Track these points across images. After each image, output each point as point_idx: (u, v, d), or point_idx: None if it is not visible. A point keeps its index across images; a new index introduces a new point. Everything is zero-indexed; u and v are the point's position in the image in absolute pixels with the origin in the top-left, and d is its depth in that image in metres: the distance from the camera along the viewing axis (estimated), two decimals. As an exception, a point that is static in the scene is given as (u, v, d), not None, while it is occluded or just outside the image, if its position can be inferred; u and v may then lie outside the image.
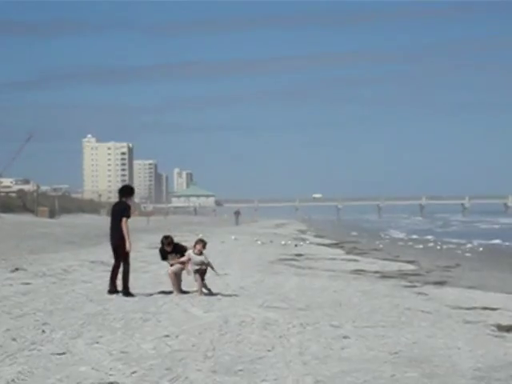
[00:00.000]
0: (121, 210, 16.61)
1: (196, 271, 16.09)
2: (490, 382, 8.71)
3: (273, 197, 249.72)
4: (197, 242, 16.46)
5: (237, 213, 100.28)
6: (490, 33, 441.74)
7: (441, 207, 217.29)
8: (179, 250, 16.80)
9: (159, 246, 17.05)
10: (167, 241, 16.91)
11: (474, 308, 15.83)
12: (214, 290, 16.56)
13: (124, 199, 16.62)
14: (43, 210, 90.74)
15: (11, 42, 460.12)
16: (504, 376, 8.99)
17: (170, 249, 16.77)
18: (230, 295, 16.58)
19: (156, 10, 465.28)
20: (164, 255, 16.93)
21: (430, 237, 63.22)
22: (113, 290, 16.34)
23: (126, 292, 16.15)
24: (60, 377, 8.59)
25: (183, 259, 16.40)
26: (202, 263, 16.16)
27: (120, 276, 16.41)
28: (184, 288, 16.73)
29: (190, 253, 16.29)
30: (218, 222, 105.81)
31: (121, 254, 16.80)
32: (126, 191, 16.78)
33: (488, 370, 9.37)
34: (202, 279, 16.28)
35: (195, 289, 16.37)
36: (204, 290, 16.33)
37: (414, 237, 63.83)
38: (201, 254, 16.21)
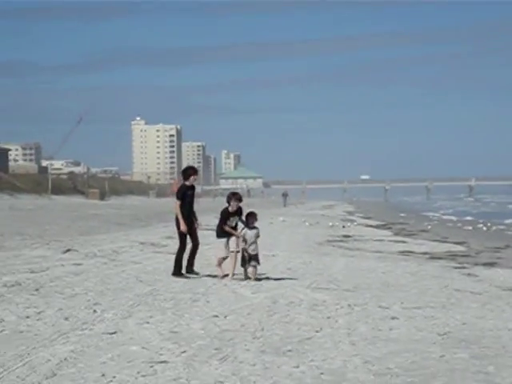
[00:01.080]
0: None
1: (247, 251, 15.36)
2: (541, 363, 8.65)
3: (320, 178, 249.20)
4: (248, 215, 15.53)
5: (284, 194, 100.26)
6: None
7: (490, 188, 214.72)
8: (240, 213, 15.68)
9: (210, 225, 16.89)
10: (235, 197, 15.59)
11: (525, 289, 15.68)
12: (261, 271, 16.54)
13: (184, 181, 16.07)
14: (94, 191, 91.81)
15: (61, 26, 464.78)
16: (555, 357, 8.91)
17: (235, 208, 15.53)
18: (277, 277, 16.62)
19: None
20: (225, 216, 15.60)
21: (479, 218, 62.57)
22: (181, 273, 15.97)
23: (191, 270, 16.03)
24: (111, 356, 8.73)
25: (238, 234, 15.47)
26: (257, 238, 15.45)
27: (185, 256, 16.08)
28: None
29: (244, 231, 15.44)
30: (265, 203, 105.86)
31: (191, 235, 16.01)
32: (183, 173, 16.24)
33: (538, 351, 9.29)
34: (258, 261, 15.50)
35: (245, 273, 15.61)
36: (254, 276, 15.47)
37: (463, 218, 63.24)
38: (254, 228, 15.44)
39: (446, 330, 10.63)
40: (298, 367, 8.28)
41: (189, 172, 15.89)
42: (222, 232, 15.62)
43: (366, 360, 8.66)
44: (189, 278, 15.68)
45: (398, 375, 8.01)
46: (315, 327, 10.62)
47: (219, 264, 15.88)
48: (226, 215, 15.53)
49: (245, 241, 15.35)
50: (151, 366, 8.23)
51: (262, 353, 8.97)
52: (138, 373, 7.95)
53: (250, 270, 15.46)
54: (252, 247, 15.27)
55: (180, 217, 15.66)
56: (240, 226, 15.75)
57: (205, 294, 13.66)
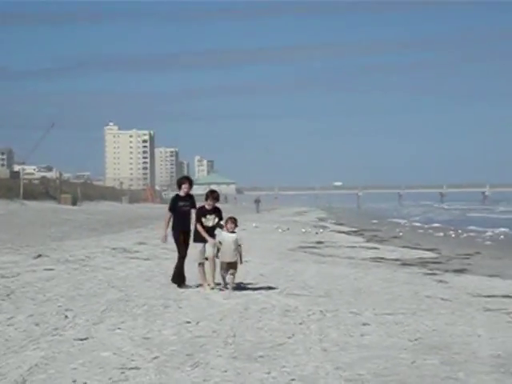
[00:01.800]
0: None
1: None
2: (510, 369, 8.73)
3: (293, 185, 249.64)
4: (227, 221, 14.73)
5: (257, 201, 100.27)
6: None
7: (461, 195, 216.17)
8: (219, 214, 15.03)
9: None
10: (212, 195, 15.06)
11: (494, 296, 15.81)
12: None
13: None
14: (66, 197, 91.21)
15: (34, 31, 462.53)
16: (523, 363, 9.01)
17: (211, 207, 14.98)
18: (250, 282, 16.64)
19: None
20: (201, 214, 14.95)
21: (449, 225, 62.98)
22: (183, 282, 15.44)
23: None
24: (82, 362, 8.70)
25: (213, 240, 14.66)
26: (237, 244, 14.62)
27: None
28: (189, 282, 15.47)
29: (222, 234, 14.64)
30: (238, 209, 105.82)
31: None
32: (176, 183, 15.86)
33: (508, 357, 9.39)
34: (235, 268, 14.73)
35: (220, 282, 14.98)
36: (232, 284, 14.89)
37: (434, 225, 63.60)
38: (233, 232, 14.66)
39: (417, 336, 10.70)
40: (269, 373, 8.30)
41: (180, 181, 15.56)
42: (199, 236, 15.03)
43: (338, 366, 8.70)
44: (188, 287, 15.20)
45: (369, 381, 8.06)
46: (287, 333, 10.65)
47: (200, 272, 15.21)
48: (201, 213, 14.90)
49: (219, 247, 14.61)
50: (123, 372, 8.22)
51: (234, 359, 8.99)
52: (110, 379, 7.94)
53: (227, 277, 14.80)
54: (229, 254, 14.52)
55: (162, 225, 15.61)
56: (218, 230, 15.25)
57: (177, 300, 13.65)
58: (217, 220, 14.93)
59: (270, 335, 10.50)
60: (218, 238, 14.61)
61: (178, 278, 15.31)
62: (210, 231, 14.97)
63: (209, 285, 14.94)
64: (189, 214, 15.18)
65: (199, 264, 15.09)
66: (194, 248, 15.12)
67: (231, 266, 14.61)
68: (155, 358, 8.96)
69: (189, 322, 11.35)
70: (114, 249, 25.48)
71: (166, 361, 8.82)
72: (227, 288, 14.73)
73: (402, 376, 8.28)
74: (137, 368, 8.44)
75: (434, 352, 9.60)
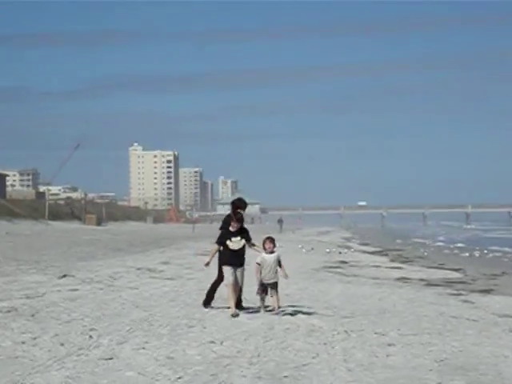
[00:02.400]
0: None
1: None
2: (537, 390, 8.64)
3: (317, 204, 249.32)
4: (264, 242, 14.13)
5: (280, 221, 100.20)
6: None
7: (487, 215, 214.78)
8: (245, 234, 14.22)
9: (206, 250, 16.26)
10: (236, 217, 14.10)
11: (521, 316, 15.66)
12: (256, 297, 16.44)
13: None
14: (91, 217, 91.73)
15: (61, 52, 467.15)
16: (551, 385, 8.91)
17: (237, 228, 14.06)
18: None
19: (203, 19, 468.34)
20: (226, 237, 14.12)
21: (475, 245, 62.57)
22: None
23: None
24: (107, 381, 8.71)
25: (257, 262, 14.04)
26: (277, 264, 14.09)
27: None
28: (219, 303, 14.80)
29: (262, 256, 14.08)
30: (262, 228, 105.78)
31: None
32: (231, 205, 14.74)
33: (535, 378, 9.28)
34: (275, 289, 14.18)
35: (267, 304, 14.33)
36: (277, 305, 14.26)
37: (460, 245, 63.20)
38: (272, 253, 14.11)
39: (443, 356, 10.61)
40: (294, 393, 8.26)
41: (235, 204, 14.54)
42: (224, 258, 14.26)
43: (363, 386, 8.64)
44: (212, 308, 14.73)
45: (394, 402, 7.99)
46: (312, 353, 10.60)
47: (230, 295, 14.17)
48: (226, 235, 14.12)
49: (260, 268, 14.05)
50: (147, 392, 8.21)
51: (259, 379, 8.95)
52: (134, 399, 7.93)
53: (269, 299, 14.24)
54: (270, 274, 14.04)
55: (212, 251, 14.46)
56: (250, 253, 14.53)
57: (201, 320, 13.63)
58: (243, 242, 14.16)
59: (295, 355, 10.45)
60: (258, 259, 14.05)
61: (207, 298, 15.01)
62: (236, 256, 14.15)
63: (230, 310, 14.04)
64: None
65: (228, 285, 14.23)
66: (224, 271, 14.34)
67: (272, 287, 14.11)
68: (179, 377, 8.95)
69: (213, 342, 11.32)
70: (138, 269, 25.53)
71: (190, 381, 8.80)
72: (266, 310, 14.20)
73: (427, 397, 8.21)
74: (161, 388, 8.42)
75: (461, 373, 9.51)
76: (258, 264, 13.98)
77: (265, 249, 14.02)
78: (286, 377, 9.09)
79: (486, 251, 50.19)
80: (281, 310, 14.18)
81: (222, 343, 11.27)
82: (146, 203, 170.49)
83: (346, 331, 12.61)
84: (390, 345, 11.48)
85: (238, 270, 14.16)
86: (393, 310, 16.02)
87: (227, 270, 14.09)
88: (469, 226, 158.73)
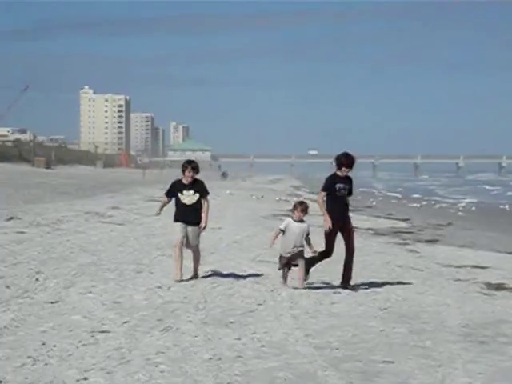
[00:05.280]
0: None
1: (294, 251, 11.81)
2: (477, 338, 8.83)
3: (269, 152, 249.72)
4: (295, 207, 11.99)
5: (224, 174, 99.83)
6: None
7: (436, 166, 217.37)
8: (199, 188, 12.16)
9: (155, 197, 15.49)
10: (191, 166, 12.14)
11: (465, 266, 15.96)
12: (207, 244, 16.47)
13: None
14: (39, 159, 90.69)
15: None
16: (491, 333, 9.12)
17: (189, 181, 12.09)
18: (223, 249, 16.66)
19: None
20: (174, 189, 12.20)
21: (421, 195, 63.34)
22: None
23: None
24: (52, 325, 8.68)
25: (275, 232, 12.01)
26: (304, 236, 11.82)
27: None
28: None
29: (288, 222, 11.90)
30: (213, 175, 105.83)
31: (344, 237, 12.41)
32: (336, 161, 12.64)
33: (476, 327, 9.49)
34: (301, 257, 11.89)
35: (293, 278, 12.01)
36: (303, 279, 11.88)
37: (407, 195, 63.95)
38: (301, 221, 11.89)
39: (387, 305, 10.78)
40: (239, 339, 8.33)
41: (340, 161, 12.44)
42: (176, 213, 12.23)
43: (307, 333, 8.75)
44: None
45: (338, 348, 8.11)
46: (258, 300, 10.69)
47: (176, 256, 12.22)
48: (177, 187, 12.21)
49: (280, 236, 11.89)
50: (92, 336, 8.22)
51: (205, 324, 9.01)
52: (79, 342, 7.93)
53: (296, 270, 12.00)
54: (293, 248, 11.79)
55: (323, 211, 12.06)
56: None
57: (149, 265, 13.64)
58: (197, 197, 12.15)
59: (241, 302, 10.53)
60: (282, 225, 11.90)
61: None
62: (189, 211, 12.12)
63: (174, 275, 12.15)
64: (346, 199, 12.34)
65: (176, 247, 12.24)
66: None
67: (297, 255, 11.83)
68: (125, 322, 8.96)
69: (160, 288, 11.35)
70: (86, 213, 25.38)
71: (136, 325, 8.82)
72: (287, 286, 11.91)
73: (370, 344, 8.35)
74: (107, 332, 8.43)
75: (403, 321, 9.68)
76: (281, 230, 11.80)
77: (294, 214, 11.93)
78: (232, 323, 9.16)
79: (433, 202, 50.87)
80: (306, 282, 11.97)
81: (169, 289, 11.30)
82: (97, 147, 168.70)
83: (292, 279, 12.71)
84: (335, 293, 11.63)
85: (191, 230, 12.15)
86: (339, 258, 16.16)
87: (176, 227, 12.13)
88: (422, 177, 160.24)
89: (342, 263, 12.33)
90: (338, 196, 12.08)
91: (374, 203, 47.97)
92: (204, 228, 12.25)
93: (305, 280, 11.95)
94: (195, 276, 12.38)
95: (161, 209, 12.49)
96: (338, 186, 12.12)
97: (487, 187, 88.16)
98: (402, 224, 30.08)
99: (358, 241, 20.88)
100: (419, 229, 27.76)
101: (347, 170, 12.24)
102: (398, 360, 7.68)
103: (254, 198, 45.95)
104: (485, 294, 12.32)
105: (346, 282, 12.16)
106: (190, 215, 12.11)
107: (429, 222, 31.07)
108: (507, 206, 46.30)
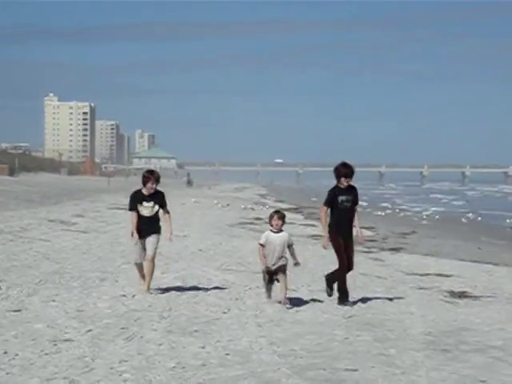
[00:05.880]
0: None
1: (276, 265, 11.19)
2: (440, 346, 8.90)
3: (234, 160, 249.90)
4: (271, 216, 11.37)
5: (189, 182, 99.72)
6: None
7: (399, 175, 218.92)
8: (159, 199, 11.69)
9: (122, 204, 15.22)
10: (153, 176, 11.61)
11: (428, 274, 16.07)
12: (172, 252, 16.49)
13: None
14: (3, 167, 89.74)
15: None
16: (453, 341, 9.19)
17: (150, 192, 11.59)
18: (188, 257, 16.63)
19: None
20: (135, 201, 11.65)
21: (387, 204, 63.76)
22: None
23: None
24: (15, 333, 8.61)
25: (259, 243, 11.24)
26: (286, 247, 11.31)
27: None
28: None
29: (267, 234, 11.23)
30: (178, 184, 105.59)
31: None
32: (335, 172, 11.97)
33: (438, 334, 9.56)
34: (283, 272, 11.26)
35: (276, 293, 11.34)
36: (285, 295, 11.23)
37: (373, 204, 64.27)
38: (280, 231, 11.31)
39: (351, 313, 10.82)
40: (204, 348, 8.32)
41: (338, 171, 11.84)
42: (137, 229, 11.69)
43: (272, 341, 8.76)
44: (351, 305, 11.46)
45: (302, 356, 8.13)
46: (223, 308, 10.68)
47: (138, 276, 11.96)
48: (138, 199, 11.68)
49: (264, 250, 11.22)
50: (55, 345, 8.16)
51: (169, 333, 8.99)
52: (42, 351, 7.87)
53: (277, 285, 11.35)
54: (276, 260, 11.20)
55: (323, 226, 11.86)
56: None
57: (113, 274, 13.58)
58: (156, 209, 11.72)
59: (206, 310, 10.52)
60: (262, 240, 11.26)
61: (341, 294, 11.65)
62: (148, 223, 11.66)
63: (140, 286, 11.82)
64: (353, 211, 11.78)
65: (137, 264, 11.84)
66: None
67: (279, 270, 11.23)
68: (89, 330, 8.91)
69: (124, 296, 11.30)
70: (51, 221, 25.20)
71: (100, 334, 8.77)
72: (272, 300, 11.32)
73: (334, 352, 8.38)
74: (70, 340, 8.38)
75: (367, 329, 9.72)
76: (261, 245, 11.21)
77: (271, 225, 11.31)
78: (196, 331, 9.15)
79: (397, 210, 51.19)
80: (288, 300, 11.24)
81: (133, 297, 11.25)
82: (61, 155, 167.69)
83: (257, 287, 12.72)
84: (299, 300, 11.64)
85: (149, 238, 11.68)
86: (304, 266, 16.21)
87: (136, 244, 11.68)
88: (390, 185, 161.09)
89: (303, 270, 12.34)
90: (341, 209, 11.57)
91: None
92: (170, 239, 11.86)
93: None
94: (147, 289, 11.64)
95: (136, 230, 11.62)
96: (341, 198, 11.60)
97: (438, 196, 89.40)
98: (367, 232, 30.19)
99: (321, 249, 20.95)
100: (383, 237, 27.90)
101: (347, 179, 11.67)
102: (361, 368, 7.71)
103: (219, 206, 45.90)
104: (448, 302, 12.42)
105: (343, 299, 11.52)
106: (148, 227, 11.64)
107: (393, 231, 31.25)
108: (470, 215, 46.74)
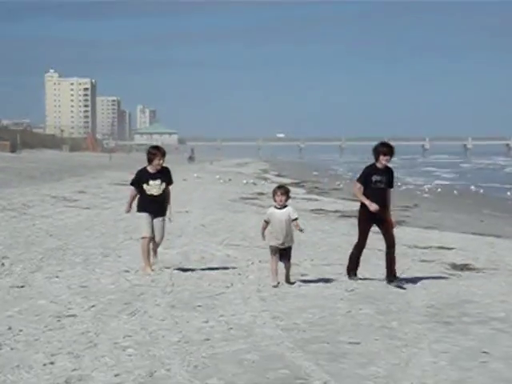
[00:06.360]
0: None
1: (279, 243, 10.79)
2: (442, 318, 8.93)
3: (236, 136, 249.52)
4: (275, 192, 10.88)
5: (191, 158, 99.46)
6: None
7: (402, 148, 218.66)
8: (166, 176, 11.44)
9: (124, 180, 15.23)
10: (160, 152, 11.31)
11: (430, 247, 16.11)
12: (174, 227, 16.46)
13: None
14: (4, 144, 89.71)
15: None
16: (456, 313, 9.22)
17: (157, 168, 11.30)
18: (191, 233, 16.66)
19: None
20: (141, 179, 11.35)
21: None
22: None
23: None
24: (19, 309, 8.64)
25: (264, 219, 10.84)
26: (291, 222, 10.85)
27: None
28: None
29: (271, 211, 10.81)
30: (180, 159, 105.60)
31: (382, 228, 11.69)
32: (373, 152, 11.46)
33: (441, 307, 9.59)
34: (288, 258, 10.91)
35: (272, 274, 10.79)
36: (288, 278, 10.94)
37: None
38: (284, 207, 10.85)
39: (354, 286, 10.84)
40: (207, 322, 8.35)
41: (377, 150, 11.33)
42: (140, 202, 11.48)
43: (275, 315, 8.79)
44: (356, 280, 11.27)
45: (304, 330, 8.16)
46: (226, 283, 10.71)
47: (144, 249, 11.47)
48: (143, 177, 11.40)
49: (267, 226, 10.83)
50: (59, 320, 8.19)
51: (172, 308, 9.02)
52: (46, 327, 7.91)
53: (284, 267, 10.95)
54: (281, 237, 10.79)
55: (362, 197, 11.29)
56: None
57: (116, 249, 13.61)
58: (164, 186, 11.43)
59: (209, 285, 10.54)
60: (265, 216, 10.89)
61: (350, 264, 11.68)
62: (155, 202, 11.40)
63: (145, 269, 11.41)
64: (386, 194, 11.50)
65: (147, 238, 11.45)
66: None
67: (284, 254, 10.87)
68: (92, 306, 8.95)
69: (127, 271, 11.33)
70: (53, 197, 25.22)
71: (103, 309, 8.81)
72: (278, 283, 10.76)
73: (337, 325, 8.41)
74: (74, 316, 8.41)
75: (370, 302, 9.75)
76: (266, 222, 10.80)
77: (275, 201, 10.86)
78: (199, 306, 9.18)
79: (399, 183, 51.20)
80: (291, 283, 10.88)
81: (136, 272, 11.28)
82: (62, 131, 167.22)
83: (260, 261, 12.76)
84: (303, 275, 11.68)
85: (157, 221, 11.47)
86: (307, 240, 16.23)
87: (143, 219, 11.38)
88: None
89: (306, 244, 12.36)
90: (373, 188, 11.17)
91: (341, 185, 48.14)
92: (170, 220, 11.66)
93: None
94: (155, 255, 11.57)
95: (130, 205, 11.65)
96: (375, 178, 11.20)
97: (431, 169, 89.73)
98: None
99: (324, 223, 21.07)
100: (386, 211, 27.92)
101: (385, 159, 11.17)
102: (364, 341, 7.75)
103: (221, 181, 45.92)
104: (450, 274, 12.45)
105: (391, 277, 11.19)
106: (157, 207, 11.36)
107: (395, 204, 31.26)
108: (474, 187, 46.74)
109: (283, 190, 10.82)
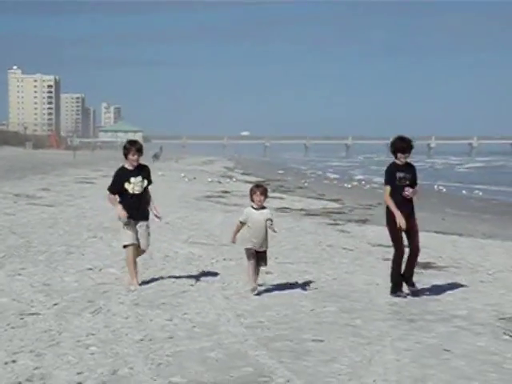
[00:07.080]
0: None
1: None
2: (405, 316, 9.00)
3: (201, 134, 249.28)
4: (253, 192, 10.13)
5: (155, 156, 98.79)
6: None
7: (366, 147, 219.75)
8: (147, 173, 10.71)
9: (86, 178, 14.66)
10: (135, 147, 10.50)
11: (394, 246, 16.17)
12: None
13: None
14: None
15: None
16: (418, 311, 9.30)
17: (134, 164, 10.50)
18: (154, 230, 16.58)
19: None
20: (121, 179, 10.42)
21: (356, 176, 64.09)
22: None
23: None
24: (-20, 308, 8.56)
25: (240, 220, 10.18)
26: (270, 223, 10.09)
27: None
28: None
29: (248, 212, 10.12)
30: (145, 157, 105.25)
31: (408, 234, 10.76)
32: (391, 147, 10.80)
33: (404, 305, 9.67)
34: (264, 261, 10.24)
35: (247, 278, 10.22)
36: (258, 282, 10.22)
37: (339, 176, 64.53)
38: (263, 208, 10.16)
39: (318, 284, 10.90)
40: (171, 320, 8.35)
41: (395, 146, 10.70)
42: (123, 207, 10.41)
43: (239, 313, 8.80)
44: (405, 297, 10.33)
45: (268, 328, 8.18)
46: (190, 281, 10.70)
47: (130, 260, 10.36)
48: (123, 176, 10.49)
49: (241, 228, 10.27)
50: (22, 318, 8.14)
51: (136, 306, 8.99)
52: (8, 325, 7.85)
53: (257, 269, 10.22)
54: (260, 239, 10.11)
55: (393, 208, 10.44)
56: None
57: (80, 247, 13.53)
58: (146, 183, 10.64)
59: (173, 283, 10.53)
60: (242, 217, 10.20)
61: (395, 284, 10.57)
62: (138, 203, 10.51)
63: (135, 282, 10.29)
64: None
65: (131, 245, 10.45)
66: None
67: (261, 258, 10.19)
68: (55, 304, 8.89)
69: (91, 269, 11.27)
70: (16, 195, 24.99)
71: (66, 307, 8.76)
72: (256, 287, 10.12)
73: (300, 323, 8.44)
74: (36, 314, 8.36)
75: (334, 300, 9.80)
76: (242, 223, 10.18)
77: (253, 201, 10.16)
78: (163, 304, 9.16)
79: (363, 182, 51.43)
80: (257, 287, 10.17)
81: (100, 270, 11.24)
82: (26, 128, 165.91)
83: (224, 259, 12.77)
84: (267, 273, 11.69)
85: (140, 226, 10.52)
86: (271, 239, 16.23)
87: (125, 223, 10.37)
88: (346, 157, 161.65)
89: (270, 242, 12.37)
90: (399, 186, 10.52)
91: (306, 184, 48.26)
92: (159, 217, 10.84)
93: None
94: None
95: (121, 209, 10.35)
96: (398, 175, 10.56)
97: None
98: (334, 204, 30.34)
99: (288, 221, 21.10)
100: (350, 209, 28.04)
101: (405, 155, 10.59)
102: (327, 339, 7.79)
103: (186, 179, 45.81)
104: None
105: (406, 280, 10.56)
106: (139, 208, 10.43)
107: (359, 203, 31.41)
108: (437, 186, 47.12)
109: (262, 190, 10.12)
